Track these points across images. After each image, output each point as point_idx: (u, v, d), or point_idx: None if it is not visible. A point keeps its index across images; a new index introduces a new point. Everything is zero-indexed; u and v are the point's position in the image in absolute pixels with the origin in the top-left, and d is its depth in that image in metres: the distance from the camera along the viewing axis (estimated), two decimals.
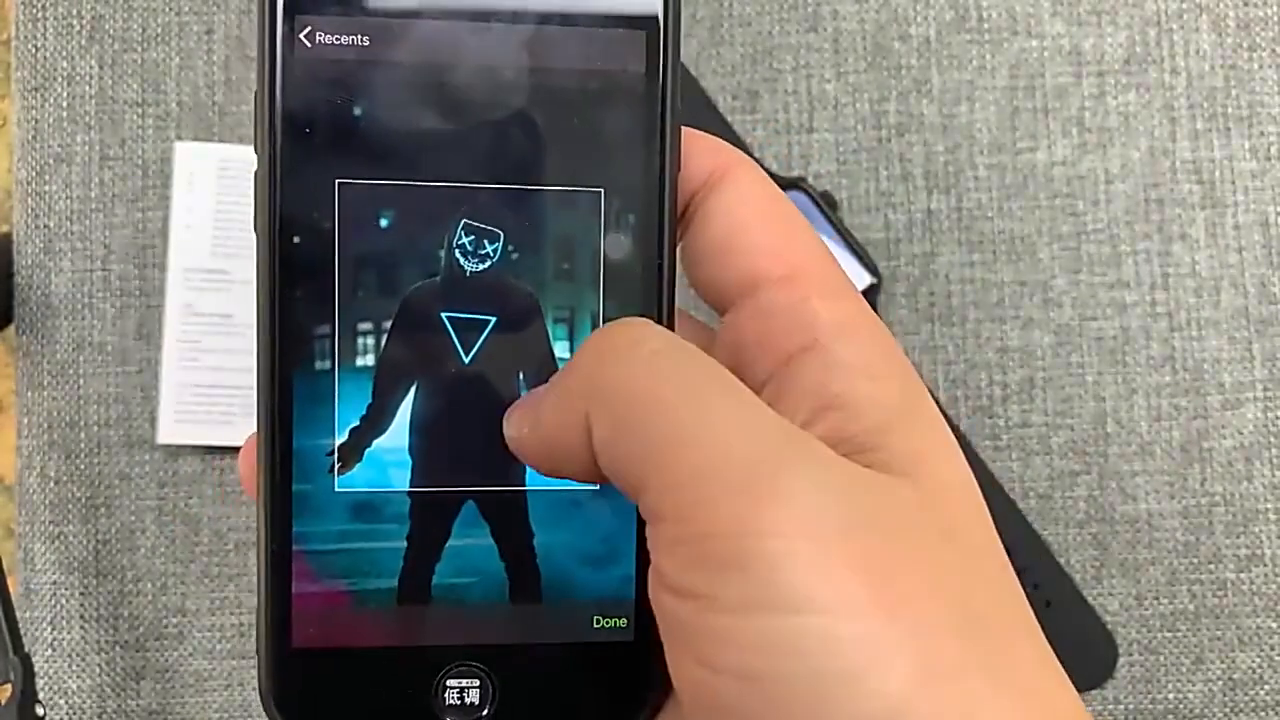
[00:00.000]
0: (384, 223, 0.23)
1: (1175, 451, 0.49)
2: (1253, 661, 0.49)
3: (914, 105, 0.51)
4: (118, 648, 0.49)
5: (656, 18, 0.23)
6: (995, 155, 0.50)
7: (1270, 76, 0.51)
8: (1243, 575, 0.49)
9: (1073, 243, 0.50)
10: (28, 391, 0.50)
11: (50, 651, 0.49)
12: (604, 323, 0.24)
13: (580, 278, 0.24)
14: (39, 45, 0.51)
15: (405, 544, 0.24)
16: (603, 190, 0.24)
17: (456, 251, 0.23)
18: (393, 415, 0.23)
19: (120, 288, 0.50)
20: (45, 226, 0.50)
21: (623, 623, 0.24)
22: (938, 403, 0.49)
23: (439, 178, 0.23)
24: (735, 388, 0.20)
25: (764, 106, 0.51)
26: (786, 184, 0.48)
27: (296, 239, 0.23)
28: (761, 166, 0.52)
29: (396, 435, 0.24)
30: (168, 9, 0.51)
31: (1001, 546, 0.21)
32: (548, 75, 0.23)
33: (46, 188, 0.50)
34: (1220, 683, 0.49)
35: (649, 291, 0.24)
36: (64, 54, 0.51)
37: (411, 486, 0.24)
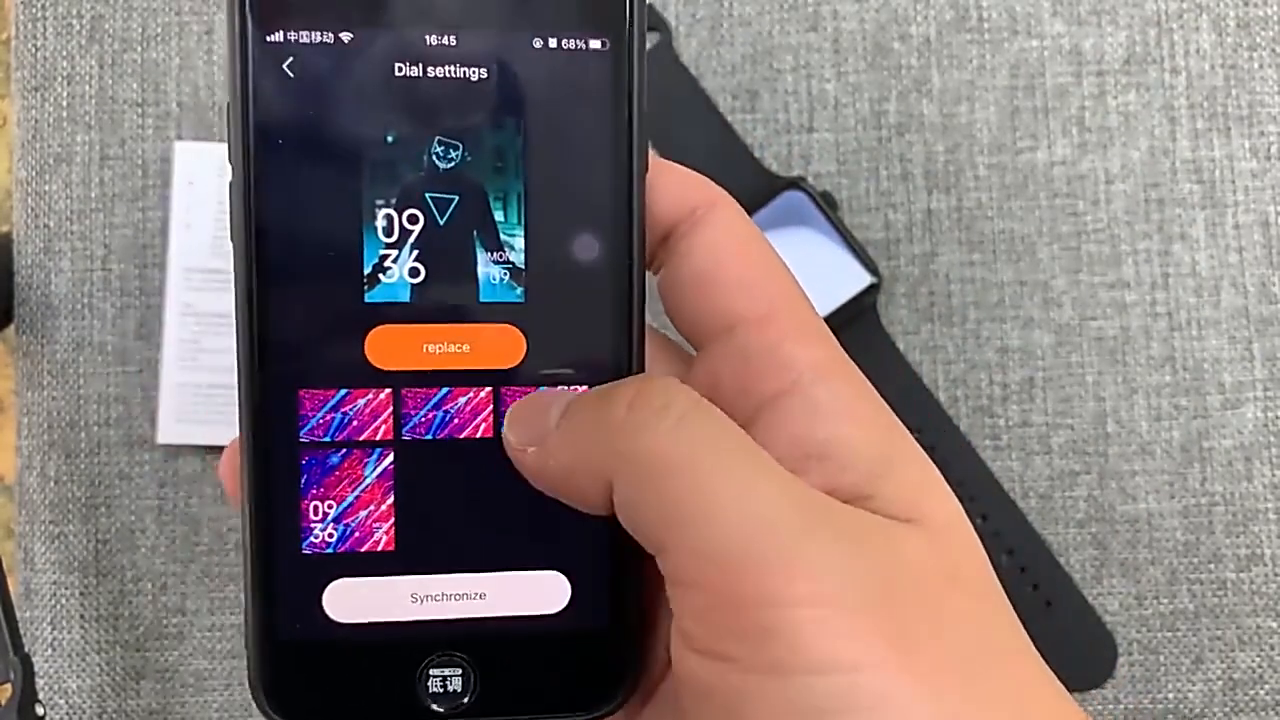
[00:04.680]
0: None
1: (1175, 451, 0.49)
2: (1253, 661, 0.49)
3: (914, 105, 0.51)
4: (118, 647, 0.49)
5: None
6: (995, 155, 0.50)
7: (1270, 76, 0.51)
8: (1243, 575, 0.49)
9: (1073, 243, 0.50)
10: (27, 391, 0.50)
11: (50, 651, 0.49)
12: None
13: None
14: (39, 45, 0.51)
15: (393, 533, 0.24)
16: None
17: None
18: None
19: (120, 287, 0.50)
20: (45, 226, 0.50)
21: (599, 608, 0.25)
22: (938, 404, 0.49)
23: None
24: (756, 454, 0.21)
25: (764, 106, 0.51)
26: (786, 184, 0.48)
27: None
28: (761, 166, 0.52)
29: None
30: (168, 9, 0.51)
31: (991, 572, 0.22)
32: (511, 72, 0.24)
33: (46, 187, 0.50)
34: (1220, 682, 0.49)
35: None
36: (64, 54, 0.51)
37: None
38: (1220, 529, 0.49)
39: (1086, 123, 0.51)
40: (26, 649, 0.45)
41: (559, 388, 0.24)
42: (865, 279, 0.48)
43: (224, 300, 0.49)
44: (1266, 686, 0.49)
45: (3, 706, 0.44)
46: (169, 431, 0.48)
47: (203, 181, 0.49)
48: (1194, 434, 0.49)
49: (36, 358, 0.50)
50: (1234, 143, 0.50)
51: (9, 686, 0.44)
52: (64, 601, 0.49)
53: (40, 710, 0.44)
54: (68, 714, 0.49)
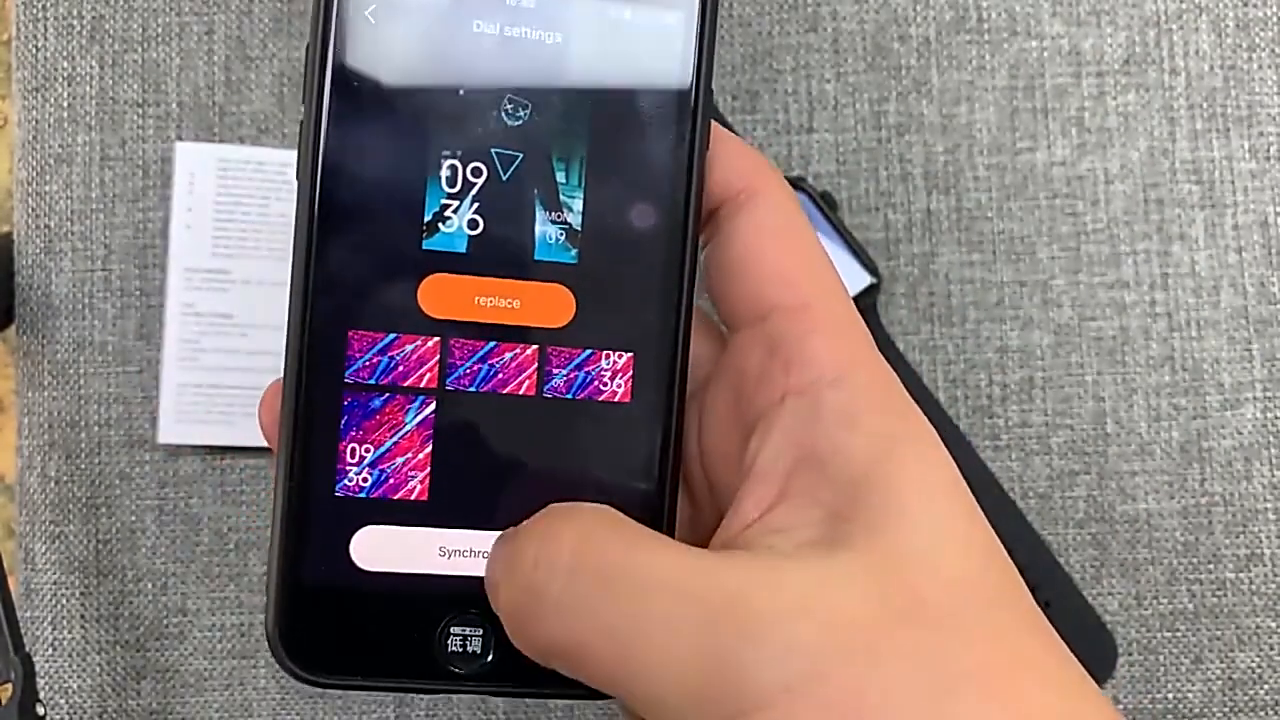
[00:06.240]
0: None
1: (1175, 451, 0.49)
2: (1252, 661, 0.49)
3: (914, 105, 0.51)
4: (118, 647, 0.49)
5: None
6: (995, 155, 0.51)
7: (1269, 77, 0.51)
8: (1242, 575, 0.49)
9: (1072, 243, 0.50)
10: (28, 391, 0.50)
11: (51, 651, 0.49)
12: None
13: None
14: (39, 45, 0.51)
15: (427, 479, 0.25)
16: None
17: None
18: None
19: (120, 288, 0.50)
20: (46, 227, 0.50)
21: None
22: (937, 404, 0.49)
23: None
24: (650, 586, 0.21)
25: (764, 106, 0.51)
26: None
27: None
28: None
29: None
30: (168, 9, 0.51)
31: (974, 589, 0.21)
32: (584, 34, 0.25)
33: (47, 188, 0.50)
34: (1220, 682, 0.49)
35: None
36: (64, 54, 0.51)
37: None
38: (1220, 529, 0.49)
39: (1086, 123, 0.51)
40: (27, 648, 0.45)
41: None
42: (865, 279, 0.48)
43: (224, 300, 0.49)
44: (1266, 686, 0.49)
45: (4, 706, 0.44)
46: (169, 431, 0.48)
47: (203, 182, 0.49)
48: (1193, 434, 0.49)
49: (37, 358, 0.50)
50: (1233, 143, 0.50)
51: (10, 686, 0.44)
52: (65, 601, 0.49)
53: (41, 710, 0.44)
54: (69, 714, 0.49)
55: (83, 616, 0.49)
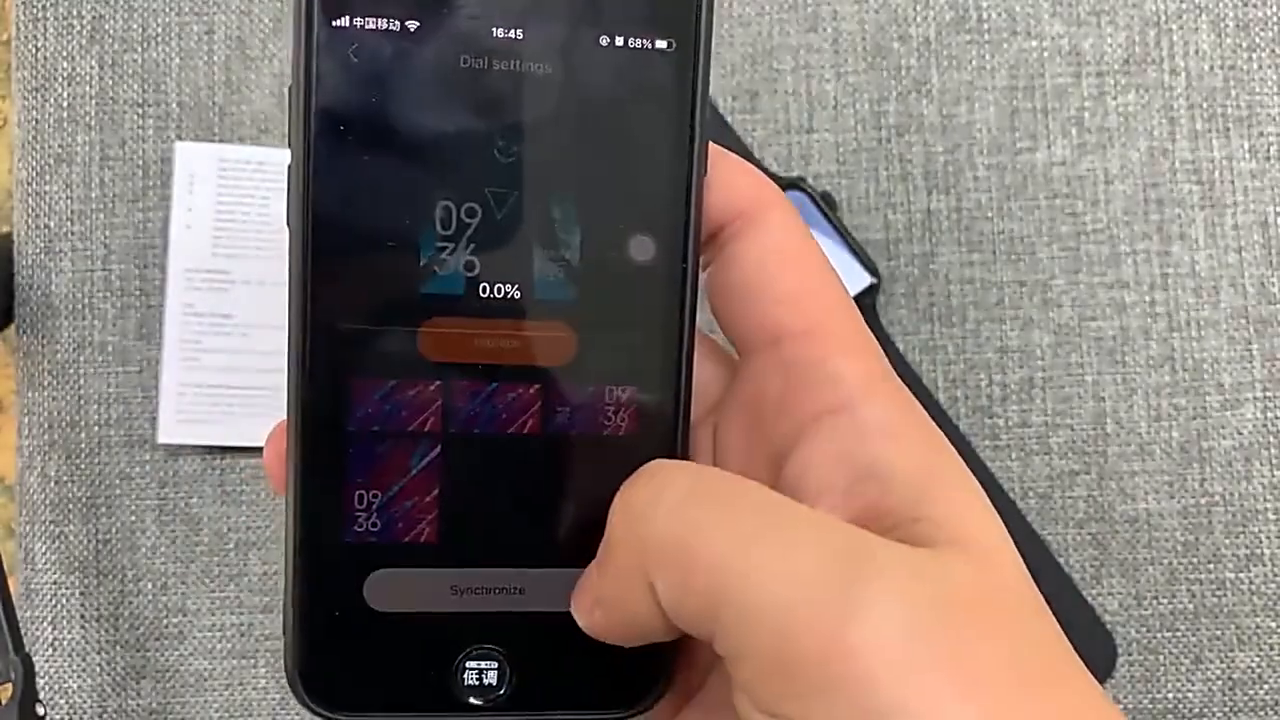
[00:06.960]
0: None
1: (1174, 451, 0.49)
2: (1252, 661, 0.49)
3: (914, 105, 0.51)
4: (118, 647, 0.49)
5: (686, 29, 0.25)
6: (995, 155, 0.51)
7: (1269, 77, 0.51)
8: (1242, 575, 0.49)
9: (1072, 243, 0.50)
10: (28, 391, 0.50)
11: (51, 651, 0.49)
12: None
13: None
14: (39, 45, 0.51)
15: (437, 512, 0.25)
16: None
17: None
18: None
19: (120, 288, 0.50)
20: (46, 227, 0.50)
21: None
22: (937, 404, 0.49)
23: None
24: (774, 508, 0.21)
25: (764, 106, 0.51)
26: (786, 184, 0.48)
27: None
28: (761, 167, 0.52)
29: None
30: (168, 9, 0.51)
31: (1035, 592, 0.22)
32: (577, 62, 0.24)
33: (47, 188, 0.50)
34: (1219, 682, 0.49)
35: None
36: (64, 54, 0.51)
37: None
38: (1219, 529, 0.49)
39: (1086, 123, 0.51)
40: (27, 648, 0.45)
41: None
42: (865, 279, 0.48)
43: (224, 300, 0.49)
44: (1266, 686, 0.49)
45: (4, 706, 0.44)
46: (169, 431, 0.48)
47: (203, 182, 0.49)
48: (1193, 434, 0.49)
49: (37, 358, 0.50)
50: (1233, 143, 0.50)
51: (10, 686, 0.44)
52: (64, 601, 0.49)
53: (41, 710, 0.44)
54: (68, 714, 0.49)
55: (83, 616, 0.49)
